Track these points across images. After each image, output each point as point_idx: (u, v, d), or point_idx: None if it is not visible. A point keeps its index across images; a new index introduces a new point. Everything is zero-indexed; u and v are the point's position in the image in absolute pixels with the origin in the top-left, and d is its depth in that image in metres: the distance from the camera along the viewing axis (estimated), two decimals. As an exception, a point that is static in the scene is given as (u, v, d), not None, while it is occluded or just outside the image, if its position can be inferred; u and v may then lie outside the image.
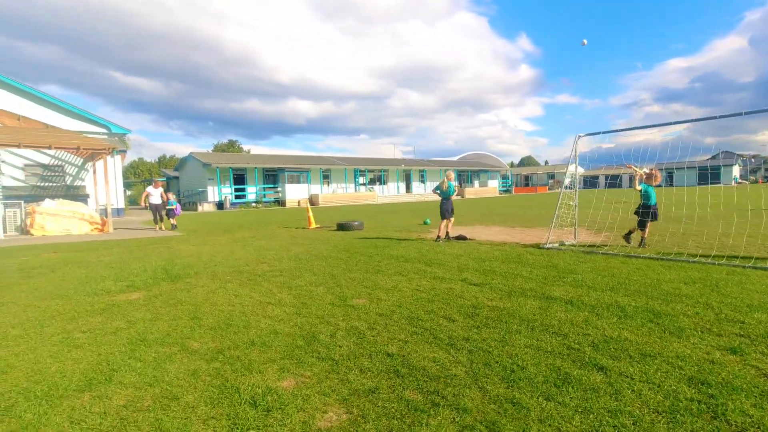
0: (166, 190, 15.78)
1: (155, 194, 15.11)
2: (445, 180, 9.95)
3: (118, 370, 3.03)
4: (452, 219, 10.00)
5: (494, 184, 57.67)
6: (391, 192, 46.72)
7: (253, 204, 35.24)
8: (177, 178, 44.91)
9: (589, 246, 8.23)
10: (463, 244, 9.17)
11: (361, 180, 44.30)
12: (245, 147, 79.70)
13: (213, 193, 34.51)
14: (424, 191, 49.16)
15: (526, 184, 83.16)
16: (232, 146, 75.72)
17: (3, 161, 17.07)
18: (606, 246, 8.12)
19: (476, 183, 57.07)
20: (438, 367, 2.98)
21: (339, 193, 39.85)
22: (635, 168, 8.50)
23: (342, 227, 13.18)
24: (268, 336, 3.68)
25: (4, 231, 13.31)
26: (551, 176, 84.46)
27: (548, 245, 8.38)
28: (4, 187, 16.80)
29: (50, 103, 23.77)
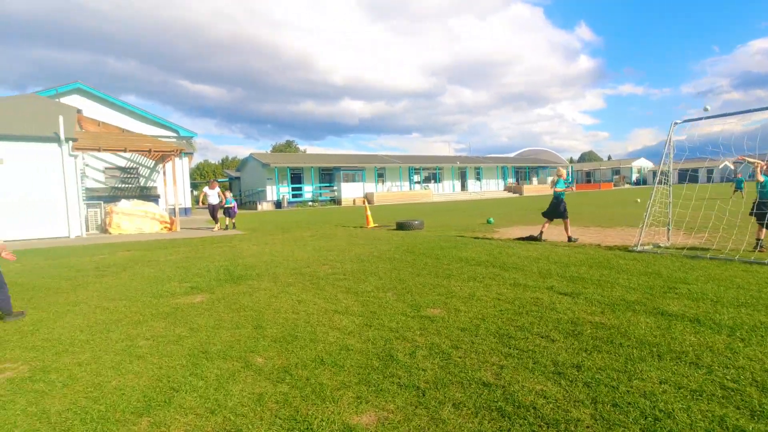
0: (225, 189, 15.90)
1: (212, 194, 15.11)
2: (554, 177, 9.26)
3: (178, 389, 2.72)
4: (561, 220, 9.03)
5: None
6: (446, 190, 45.72)
7: (310, 203, 35.85)
8: (238, 178, 46.89)
9: (690, 249, 7.12)
10: (538, 246, 8.34)
11: (416, 178, 43.74)
12: (301, 147, 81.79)
13: (272, 193, 35.52)
14: (480, 189, 47.66)
15: (588, 181, 78.46)
16: (289, 146, 78.16)
17: (87, 165, 18.40)
18: (710, 249, 6.97)
19: (534, 180, 54.40)
20: (552, 406, 2.37)
21: (394, 192, 39.56)
22: (752, 159, 7.26)
23: (402, 226, 12.72)
24: (338, 353, 3.25)
25: (87, 230, 14.22)
26: (616, 172, 79.55)
27: (639, 248, 7.37)
28: (87, 189, 18.09)
29: (127, 110, 25.54)
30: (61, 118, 12.69)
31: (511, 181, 51.65)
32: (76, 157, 13.49)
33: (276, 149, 76.40)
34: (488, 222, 13.79)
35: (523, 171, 53.74)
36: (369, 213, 14.65)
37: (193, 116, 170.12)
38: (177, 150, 14.54)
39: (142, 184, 19.93)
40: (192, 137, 28.07)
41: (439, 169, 45.15)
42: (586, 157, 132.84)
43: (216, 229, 14.85)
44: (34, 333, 4.02)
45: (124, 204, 14.91)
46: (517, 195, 45.22)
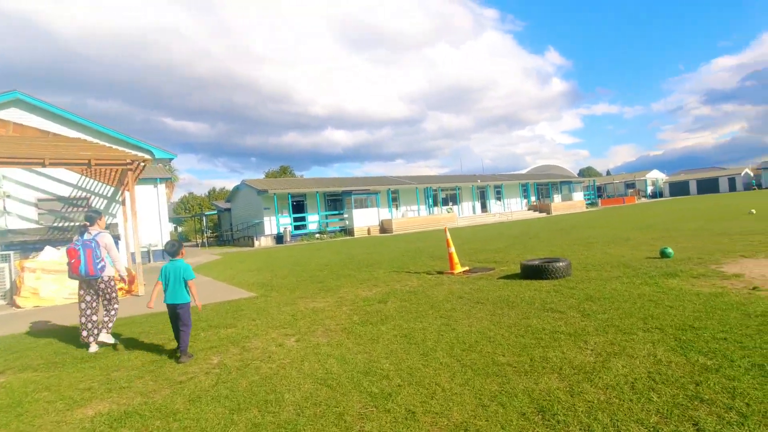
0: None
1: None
2: None
3: None
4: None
5: (579, 197, 49.88)
6: (467, 212, 40.35)
7: (317, 235, 30.00)
8: (229, 210, 40.94)
9: None
10: None
11: (430, 201, 38.36)
12: (297, 173, 76.20)
13: (270, 225, 29.67)
14: (503, 209, 42.36)
15: (599, 196, 75.17)
16: (284, 173, 72.44)
17: (7, 195, 12.51)
18: None
19: (557, 197, 49.42)
20: None
21: (412, 217, 33.98)
22: None
23: (535, 272, 7.09)
24: None
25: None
26: (630, 185, 77.08)
27: None
28: (9, 232, 12.16)
29: (85, 126, 19.68)
30: None
31: (534, 199, 46.59)
32: (-49, 177, 7.68)
33: (270, 176, 70.43)
34: (664, 254, 8.22)
35: (545, 187, 48.82)
36: (453, 249, 8.94)
37: (177, 152, 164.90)
38: (135, 162, 8.81)
39: (95, 220, 14.03)
40: (171, 159, 22.30)
41: (458, 189, 39.88)
42: (585, 173, 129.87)
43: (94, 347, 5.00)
44: None
45: (48, 254, 9.04)
46: (544, 214, 40.02)
